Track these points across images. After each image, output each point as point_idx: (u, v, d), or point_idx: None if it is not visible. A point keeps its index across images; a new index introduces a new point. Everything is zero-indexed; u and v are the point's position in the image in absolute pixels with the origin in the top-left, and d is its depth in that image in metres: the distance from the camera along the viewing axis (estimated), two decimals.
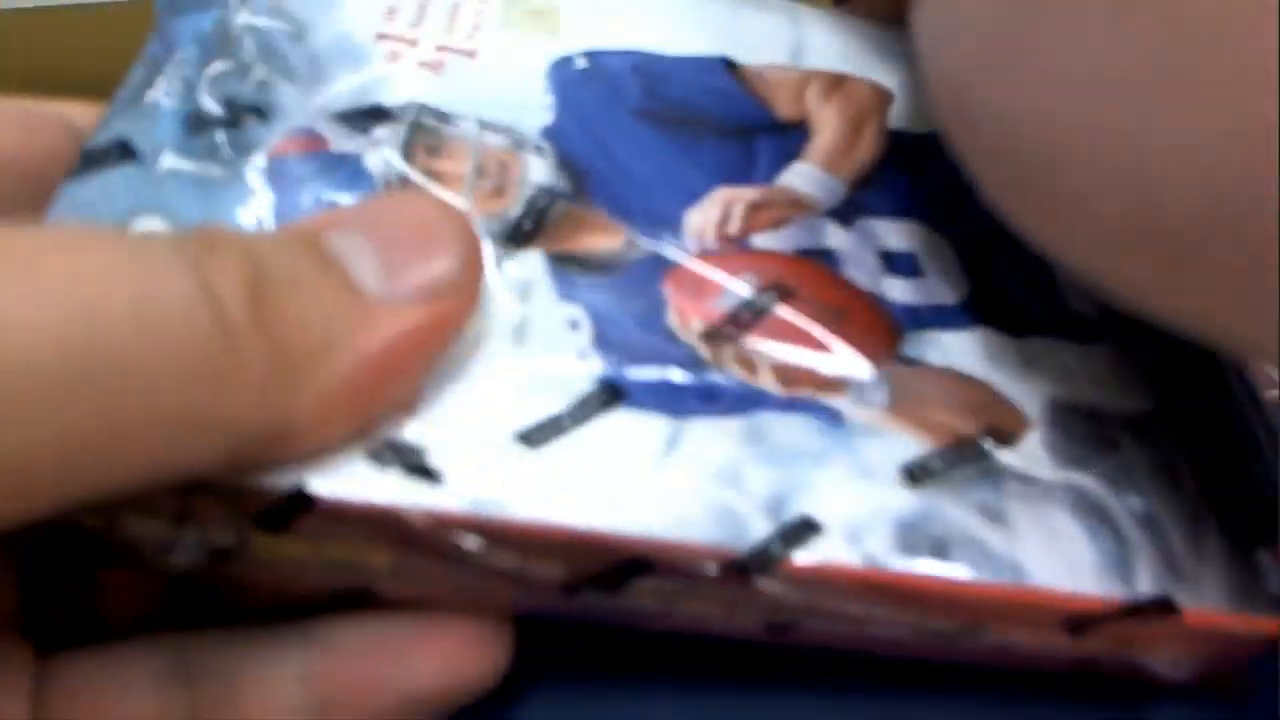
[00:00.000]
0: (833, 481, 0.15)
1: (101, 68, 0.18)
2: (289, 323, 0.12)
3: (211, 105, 0.17)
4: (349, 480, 0.13)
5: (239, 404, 0.12)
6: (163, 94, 0.17)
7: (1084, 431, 0.17)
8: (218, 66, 0.17)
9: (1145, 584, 0.15)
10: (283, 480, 0.13)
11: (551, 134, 0.18)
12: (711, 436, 0.15)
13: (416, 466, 0.14)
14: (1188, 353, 0.18)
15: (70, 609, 0.15)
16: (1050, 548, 0.15)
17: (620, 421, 0.15)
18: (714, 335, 0.16)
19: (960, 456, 0.16)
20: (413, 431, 0.14)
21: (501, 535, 0.14)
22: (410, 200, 0.15)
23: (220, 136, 0.17)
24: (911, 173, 0.20)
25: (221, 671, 0.14)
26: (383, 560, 0.14)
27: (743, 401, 0.16)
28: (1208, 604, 0.15)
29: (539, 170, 0.18)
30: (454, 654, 0.15)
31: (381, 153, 0.17)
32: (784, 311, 0.17)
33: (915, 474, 0.15)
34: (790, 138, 0.20)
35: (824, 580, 0.14)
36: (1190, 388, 0.18)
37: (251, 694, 0.14)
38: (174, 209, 0.15)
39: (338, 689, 0.14)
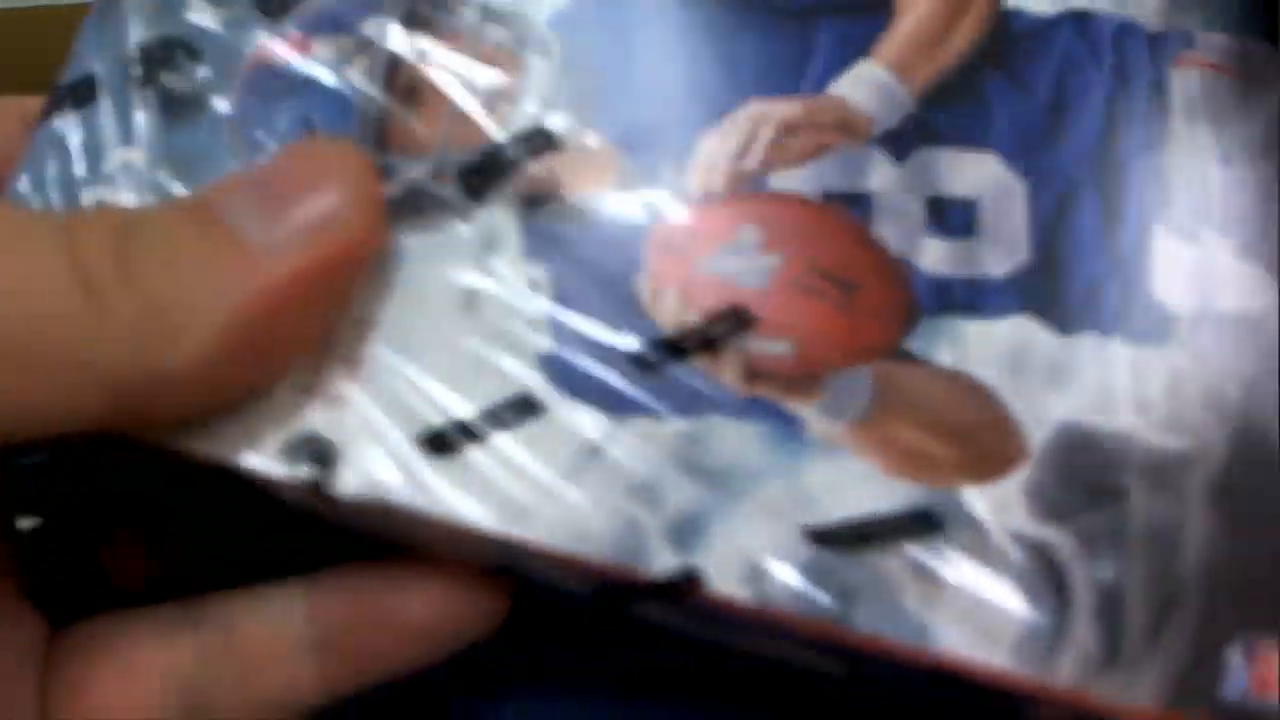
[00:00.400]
0: (757, 508, 0.14)
1: None
2: (159, 278, 0.13)
3: (195, 13, 0.16)
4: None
5: (113, 357, 0.12)
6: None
7: (1087, 473, 0.14)
8: None
9: (1066, 669, 0.14)
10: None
11: (563, 22, 0.16)
12: (642, 444, 0.14)
13: (321, 459, 0.14)
14: None
15: (78, 579, 0.17)
16: (972, 618, 0.14)
17: (547, 425, 0.14)
18: (686, 306, 0.15)
19: (887, 530, 0.14)
20: (325, 423, 0.14)
21: (409, 530, 0.14)
22: (299, 148, 0.14)
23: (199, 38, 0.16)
24: (1012, 79, 0.16)
25: (226, 616, 0.15)
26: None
27: (693, 402, 0.15)
28: (1137, 699, 0.14)
29: (541, 75, 0.16)
30: (451, 596, 0.15)
31: (364, 59, 0.16)
32: (779, 279, 0.15)
33: (823, 537, 0.14)
34: (864, 21, 0.16)
35: (709, 611, 0.14)
36: (1252, 433, 0.15)
37: (255, 635, 0.15)
38: (154, 138, 0.15)
39: (339, 626, 0.15)
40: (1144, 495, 0.15)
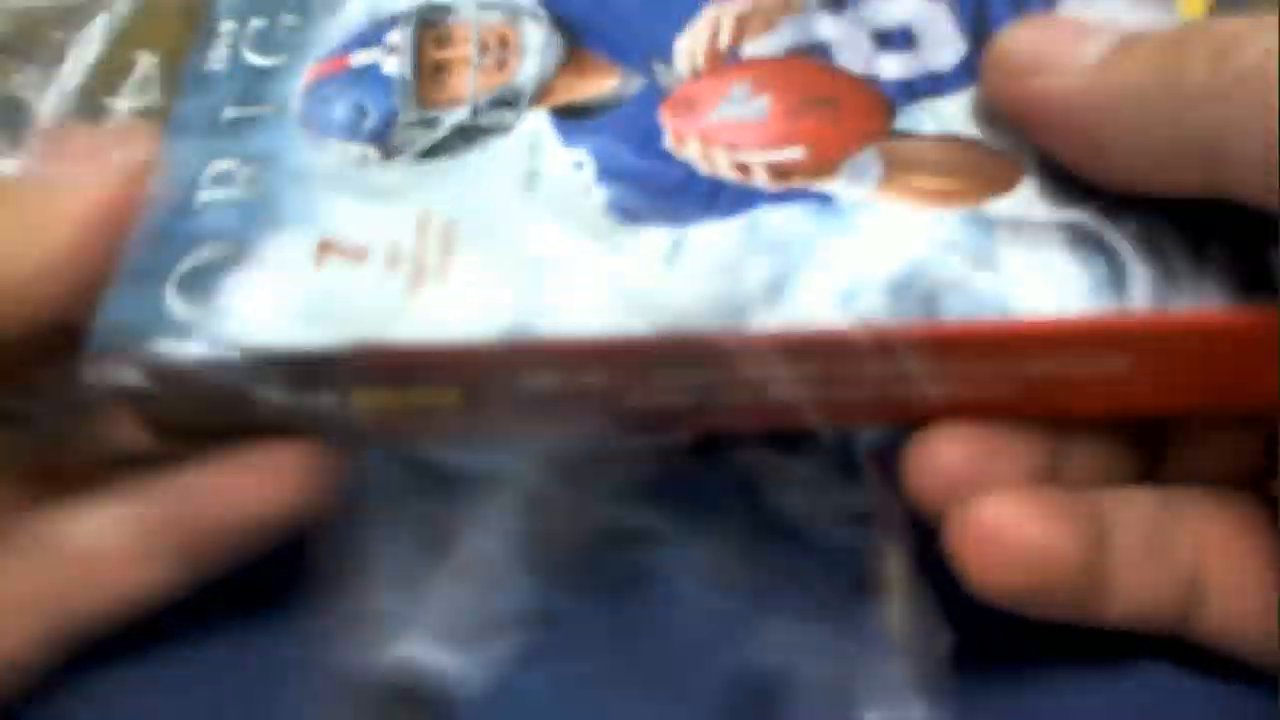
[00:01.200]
0: (825, 258, 0.16)
1: None
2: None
3: (256, 58, 0.19)
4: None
5: None
6: (215, 62, 0.20)
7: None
8: (254, 24, 0.20)
9: (1139, 298, 0.16)
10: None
11: None
12: (711, 237, 0.17)
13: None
14: None
15: None
16: (1041, 280, 0.16)
17: (629, 237, 0.17)
18: (708, 148, 0.18)
19: None
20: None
21: (538, 354, 0.16)
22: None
23: (265, 81, 0.19)
24: None
25: (59, 535, 0.17)
26: (453, 398, 0.17)
27: (740, 201, 0.17)
28: (1207, 304, 0.15)
29: (535, 35, 0.19)
30: (263, 485, 0.17)
31: (394, 56, 0.19)
32: (775, 112, 0.18)
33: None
34: None
35: (813, 343, 0.16)
36: None
37: (92, 548, 0.17)
38: (242, 149, 0.18)
39: (171, 525, 0.17)
40: None
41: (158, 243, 0.17)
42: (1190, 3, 0.19)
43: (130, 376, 0.16)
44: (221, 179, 0.18)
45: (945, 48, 0.19)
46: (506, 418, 0.17)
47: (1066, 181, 0.17)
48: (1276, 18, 0.14)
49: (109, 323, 0.16)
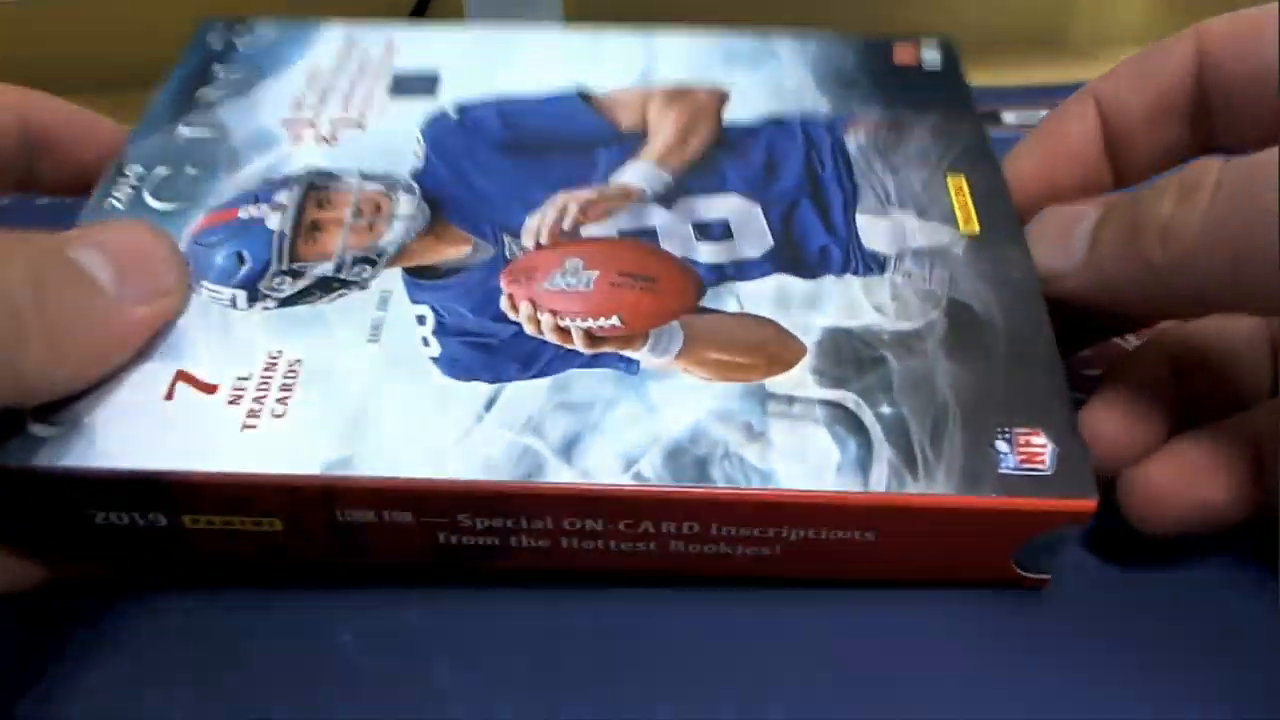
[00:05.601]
0: (617, 420, 0.19)
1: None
2: (64, 309, 0.17)
3: (154, 202, 0.22)
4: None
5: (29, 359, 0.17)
6: (116, 200, 0.22)
7: (851, 353, 0.20)
8: (160, 172, 0.23)
9: (879, 481, 0.18)
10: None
11: (420, 175, 0.23)
12: (523, 394, 0.19)
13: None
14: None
15: None
16: (800, 457, 0.18)
17: (454, 389, 0.19)
18: (537, 312, 0.20)
19: None
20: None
21: (354, 493, 0.18)
22: (131, 227, 0.20)
23: (159, 223, 0.22)
24: (735, 157, 0.24)
25: None
26: (276, 526, 0.19)
27: (555, 362, 0.19)
28: (938, 491, 0.18)
29: (407, 205, 0.22)
30: None
31: (278, 213, 0.22)
32: (600, 284, 0.21)
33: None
34: (629, 144, 0.24)
35: (599, 499, 0.18)
36: (958, 309, 0.20)
37: None
38: None
39: None
40: (897, 359, 0.20)
41: None
42: (967, 223, 0.22)
43: None
44: None
45: (754, 240, 0.22)
46: (326, 546, 0.19)
47: (839, 362, 0.19)
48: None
49: None
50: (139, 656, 0.19)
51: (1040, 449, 0.18)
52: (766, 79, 0.26)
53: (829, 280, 0.21)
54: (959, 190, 0.23)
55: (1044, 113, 0.23)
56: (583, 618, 0.20)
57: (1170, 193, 0.18)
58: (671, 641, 0.19)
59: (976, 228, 0.22)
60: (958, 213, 0.22)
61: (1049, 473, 0.18)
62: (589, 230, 0.22)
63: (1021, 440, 0.19)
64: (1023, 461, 0.18)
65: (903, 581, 0.20)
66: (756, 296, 0.21)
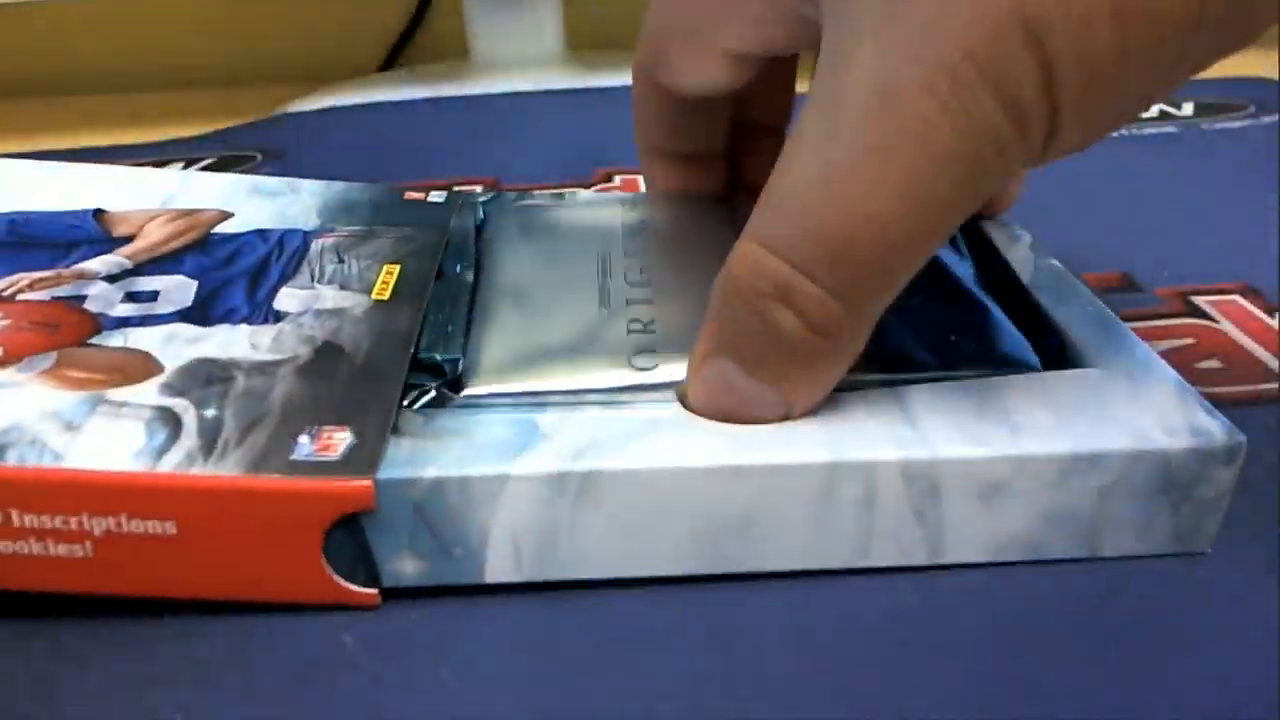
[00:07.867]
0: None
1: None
2: None
3: None
4: None
5: None
6: None
7: (205, 373, 0.21)
8: None
9: (168, 464, 0.19)
10: None
11: None
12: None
13: None
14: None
15: None
16: (102, 444, 0.19)
17: None
18: None
19: None
20: None
21: None
22: None
23: None
24: (203, 253, 0.26)
25: None
26: None
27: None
28: (224, 471, 0.19)
29: None
30: None
31: None
32: (5, 328, 0.22)
33: None
34: (113, 245, 0.26)
35: None
36: (329, 348, 0.23)
37: None
38: None
39: None
40: (245, 378, 0.21)
41: None
42: (380, 293, 0.25)
43: None
44: None
45: (174, 303, 0.24)
46: None
47: (186, 380, 0.21)
48: None
49: None
50: (139, 656, 0.19)
51: (338, 441, 0.20)
52: (275, 207, 0.29)
53: (224, 328, 0.23)
54: (389, 273, 0.26)
55: None
56: (583, 618, 0.20)
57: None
58: (672, 642, 0.19)
59: (387, 296, 0.24)
60: (377, 286, 0.25)
61: (336, 459, 0.19)
62: (23, 296, 0.24)
63: (325, 435, 0.20)
64: (317, 450, 0.19)
65: (232, 597, 0.20)
66: (145, 337, 0.23)
